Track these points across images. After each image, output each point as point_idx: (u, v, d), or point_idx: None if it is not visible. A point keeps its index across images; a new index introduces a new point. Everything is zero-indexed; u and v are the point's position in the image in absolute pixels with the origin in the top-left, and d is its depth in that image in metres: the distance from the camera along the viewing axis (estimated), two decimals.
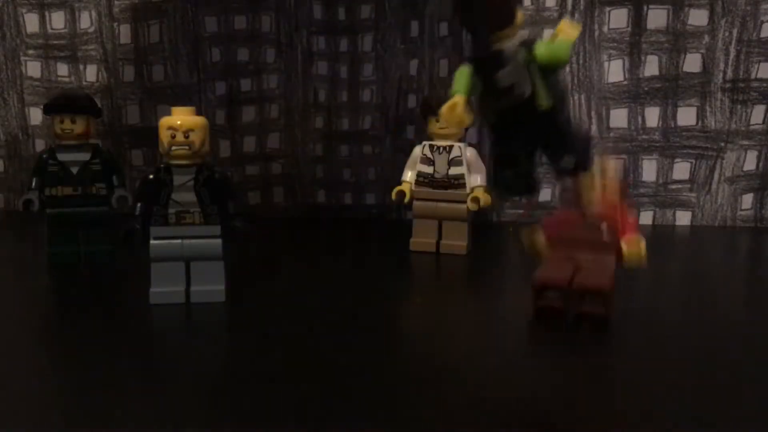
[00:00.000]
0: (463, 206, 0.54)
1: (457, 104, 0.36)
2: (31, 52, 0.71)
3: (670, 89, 0.64)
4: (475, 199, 0.53)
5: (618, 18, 0.63)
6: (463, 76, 0.37)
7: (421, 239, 0.55)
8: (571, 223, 0.39)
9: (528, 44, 0.36)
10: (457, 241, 0.54)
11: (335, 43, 0.68)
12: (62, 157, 0.52)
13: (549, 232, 0.40)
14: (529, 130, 0.36)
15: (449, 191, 0.54)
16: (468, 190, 0.54)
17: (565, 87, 0.37)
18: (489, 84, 0.36)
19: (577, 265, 0.39)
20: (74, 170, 0.52)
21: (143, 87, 0.71)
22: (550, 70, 0.36)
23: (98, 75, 0.71)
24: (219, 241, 0.41)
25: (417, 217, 0.56)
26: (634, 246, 0.38)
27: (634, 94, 0.64)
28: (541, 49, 0.35)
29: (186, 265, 0.42)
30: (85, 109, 0.52)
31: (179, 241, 0.41)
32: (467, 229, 0.55)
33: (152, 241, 0.41)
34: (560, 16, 0.64)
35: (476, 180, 0.54)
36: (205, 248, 0.41)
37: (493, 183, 0.40)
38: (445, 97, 0.53)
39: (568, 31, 0.36)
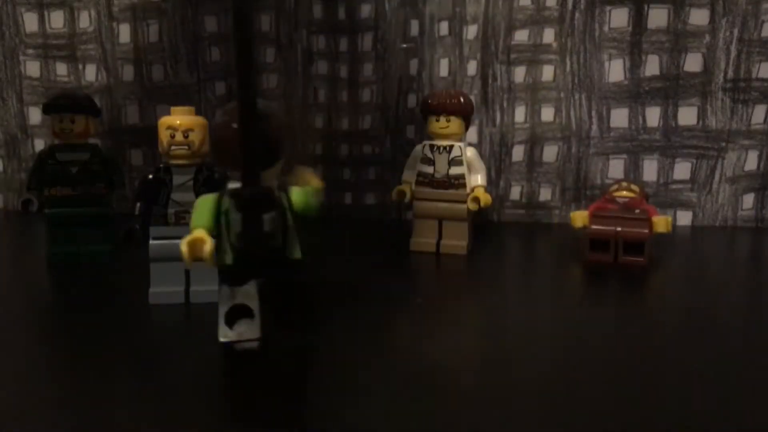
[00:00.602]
0: (464, 206, 0.53)
1: (202, 241, 0.32)
2: (30, 51, 0.71)
3: (671, 89, 0.64)
4: (476, 199, 0.53)
5: (618, 17, 0.63)
6: (207, 205, 0.33)
7: (421, 239, 0.55)
8: (610, 208, 0.52)
9: (284, 190, 0.33)
10: (457, 241, 0.54)
11: (335, 42, 0.68)
12: (61, 156, 0.52)
13: (592, 210, 0.52)
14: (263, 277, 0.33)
15: (449, 191, 0.54)
16: (468, 190, 0.53)
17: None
18: (249, 226, 0.32)
19: (618, 230, 0.51)
20: (73, 170, 0.52)
21: (143, 87, 0.71)
22: (302, 219, 0.33)
23: (97, 74, 0.71)
24: None
25: (417, 217, 0.55)
26: (662, 218, 0.50)
27: (635, 94, 0.64)
28: (299, 197, 0.33)
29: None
30: (85, 108, 0.52)
31: (179, 241, 0.41)
32: (467, 229, 0.54)
33: (152, 241, 0.41)
34: (561, 16, 0.64)
35: (476, 180, 0.54)
36: None
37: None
38: (445, 95, 0.53)
39: (314, 180, 0.36)
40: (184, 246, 0.32)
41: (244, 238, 0.32)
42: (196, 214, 0.33)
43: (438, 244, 0.55)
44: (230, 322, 0.33)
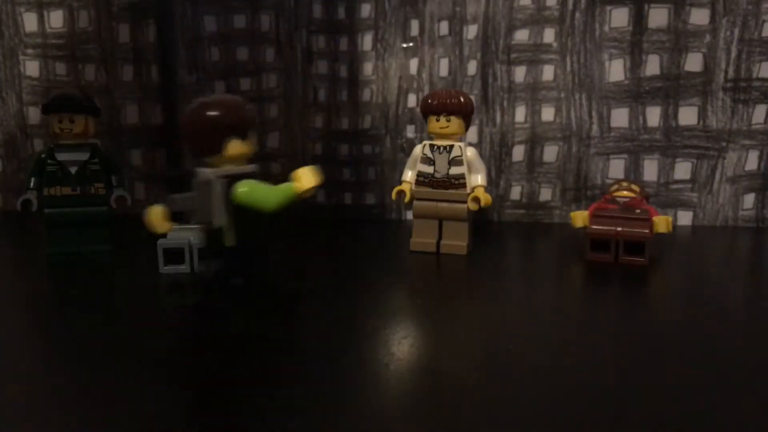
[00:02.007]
0: (464, 206, 0.53)
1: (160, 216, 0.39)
2: (29, 51, 0.71)
3: (672, 89, 0.63)
4: (476, 199, 0.53)
5: (619, 17, 0.63)
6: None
7: (421, 239, 0.55)
8: (611, 208, 0.52)
9: (231, 180, 0.37)
10: (457, 241, 0.54)
11: (335, 42, 0.68)
12: (61, 156, 0.52)
13: (592, 210, 0.53)
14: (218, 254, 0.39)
15: (449, 191, 0.54)
16: (468, 190, 0.53)
17: (264, 223, 0.40)
18: (168, 199, 0.39)
19: (619, 230, 0.51)
20: (73, 170, 0.52)
21: (142, 86, 0.70)
22: (245, 210, 0.37)
23: (97, 74, 0.71)
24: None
25: (417, 217, 0.55)
26: (663, 218, 0.50)
27: (636, 94, 0.64)
28: (243, 191, 0.37)
29: None
30: (84, 108, 0.52)
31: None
32: (468, 229, 0.54)
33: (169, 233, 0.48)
34: (561, 15, 0.64)
35: (477, 180, 0.54)
36: None
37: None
38: (446, 95, 0.53)
39: (304, 180, 0.39)
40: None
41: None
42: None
43: (438, 245, 0.55)
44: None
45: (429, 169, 0.54)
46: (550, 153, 0.66)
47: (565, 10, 0.64)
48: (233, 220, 0.37)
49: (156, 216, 0.39)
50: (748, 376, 0.31)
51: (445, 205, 0.54)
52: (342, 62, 0.68)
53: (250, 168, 0.39)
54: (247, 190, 0.37)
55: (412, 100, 0.68)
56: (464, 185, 0.53)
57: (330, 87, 0.69)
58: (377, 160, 0.69)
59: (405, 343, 0.36)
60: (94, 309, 0.42)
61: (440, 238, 0.55)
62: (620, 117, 0.65)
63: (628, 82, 0.64)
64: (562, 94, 0.65)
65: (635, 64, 0.64)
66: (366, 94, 0.68)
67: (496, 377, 0.31)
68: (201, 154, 0.38)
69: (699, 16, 0.62)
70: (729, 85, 0.63)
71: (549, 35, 0.64)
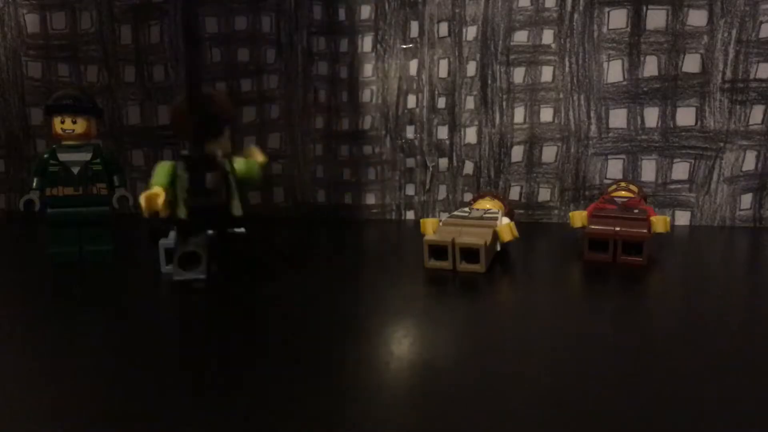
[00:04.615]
0: (488, 231, 0.50)
1: (157, 195, 0.42)
2: (32, 52, 0.71)
3: (669, 89, 0.64)
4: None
5: (617, 18, 0.63)
6: (164, 169, 0.43)
7: (436, 262, 0.50)
8: (609, 208, 0.53)
9: (229, 157, 0.44)
10: (473, 264, 0.49)
11: (335, 43, 0.68)
12: (63, 157, 0.52)
13: (590, 210, 0.53)
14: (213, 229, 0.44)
15: (478, 221, 0.52)
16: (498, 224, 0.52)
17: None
18: (195, 183, 0.42)
19: (617, 230, 0.51)
20: (75, 170, 0.52)
21: (144, 87, 0.71)
22: (243, 184, 0.44)
23: (99, 75, 0.71)
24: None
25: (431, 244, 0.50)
26: (661, 218, 0.51)
27: (634, 95, 0.64)
28: (240, 165, 0.44)
29: None
30: (87, 109, 0.52)
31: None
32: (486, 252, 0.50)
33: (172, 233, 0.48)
34: (560, 17, 0.64)
35: (505, 221, 0.52)
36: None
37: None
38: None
39: (258, 156, 0.46)
40: (142, 199, 0.41)
41: (190, 193, 0.42)
42: (155, 176, 0.43)
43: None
44: (182, 265, 0.43)
45: (464, 213, 0.53)
46: (549, 153, 0.67)
47: (563, 12, 0.64)
48: (238, 194, 0.44)
49: (160, 198, 0.42)
50: (747, 376, 0.32)
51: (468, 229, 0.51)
52: (342, 63, 0.69)
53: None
54: (244, 163, 0.44)
55: (411, 101, 0.68)
56: (495, 219, 0.52)
57: (330, 88, 0.69)
58: (377, 160, 0.69)
59: (405, 342, 0.36)
60: (96, 309, 0.42)
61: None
62: (618, 118, 0.65)
63: (626, 83, 0.64)
64: (561, 95, 0.65)
65: (633, 65, 0.64)
66: (366, 95, 0.69)
67: (495, 376, 0.32)
68: (216, 133, 0.44)
69: (697, 18, 0.62)
70: (726, 86, 0.63)
71: (548, 36, 0.65)
